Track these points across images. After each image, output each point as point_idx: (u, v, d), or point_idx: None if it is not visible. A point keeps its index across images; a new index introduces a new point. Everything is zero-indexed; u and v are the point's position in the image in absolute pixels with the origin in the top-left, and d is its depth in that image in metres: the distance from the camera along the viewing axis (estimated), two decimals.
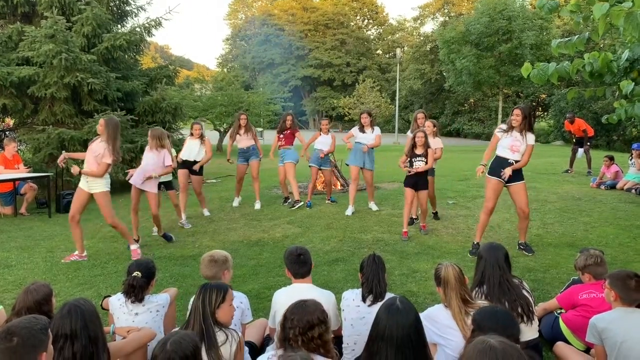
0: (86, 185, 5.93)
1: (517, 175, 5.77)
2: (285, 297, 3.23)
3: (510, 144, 5.73)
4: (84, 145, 10.56)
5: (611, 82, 5.85)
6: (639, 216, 7.64)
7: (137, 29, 12.19)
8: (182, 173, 8.11)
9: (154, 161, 6.78)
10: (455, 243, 6.41)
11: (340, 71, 57.71)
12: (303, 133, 9.63)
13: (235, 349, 2.75)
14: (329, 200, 9.05)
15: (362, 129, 8.20)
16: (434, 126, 7.51)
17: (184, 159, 7.99)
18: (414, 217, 7.48)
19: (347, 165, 8.50)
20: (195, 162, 8.01)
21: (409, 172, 6.67)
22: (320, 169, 9.00)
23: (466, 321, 2.88)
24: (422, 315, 3.11)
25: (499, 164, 5.79)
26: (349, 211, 8.16)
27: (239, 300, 3.31)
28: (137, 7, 12.99)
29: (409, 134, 7.86)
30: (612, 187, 10.00)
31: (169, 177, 7.54)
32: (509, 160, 5.72)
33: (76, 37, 10.80)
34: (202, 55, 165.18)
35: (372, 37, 64.89)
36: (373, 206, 8.43)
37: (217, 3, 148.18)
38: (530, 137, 5.77)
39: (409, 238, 6.65)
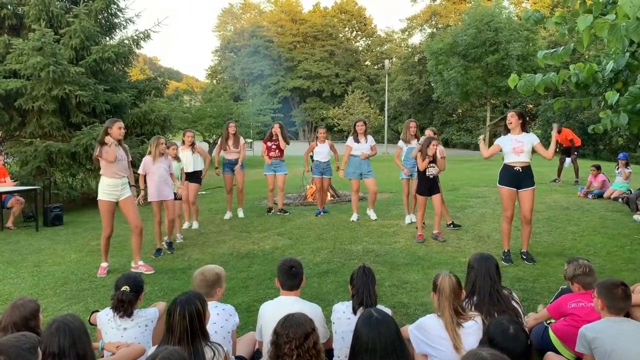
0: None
1: (529, 181, 5.86)
2: (271, 310, 3.23)
3: (512, 147, 5.83)
4: (72, 158, 10.50)
5: (596, 93, 5.92)
6: (626, 225, 7.71)
7: (126, 41, 12.18)
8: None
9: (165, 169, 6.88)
10: (445, 253, 6.41)
11: (329, 82, 57.91)
12: (293, 144, 9.64)
13: None
14: (321, 210, 9.02)
15: (356, 139, 8.28)
16: (434, 133, 7.73)
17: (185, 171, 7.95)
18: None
19: (347, 178, 8.52)
20: (195, 173, 8.04)
21: (428, 172, 6.89)
22: (322, 178, 9.01)
23: (457, 332, 2.89)
24: (413, 325, 3.12)
25: (508, 172, 5.89)
26: (354, 217, 8.39)
27: (228, 313, 3.28)
28: (126, 20, 12.96)
29: (402, 144, 7.97)
30: (600, 196, 10.09)
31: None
32: (515, 168, 5.80)
33: (64, 50, 10.77)
34: (191, 67, 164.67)
35: (360, 48, 65.29)
36: (372, 214, 8.46)
37: (206, 15, 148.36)
38: (532, 136, 5.93)
39: (424, 240, 6.91)
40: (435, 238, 6.98)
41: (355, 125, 8.41)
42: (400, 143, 8.06)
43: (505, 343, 2.45)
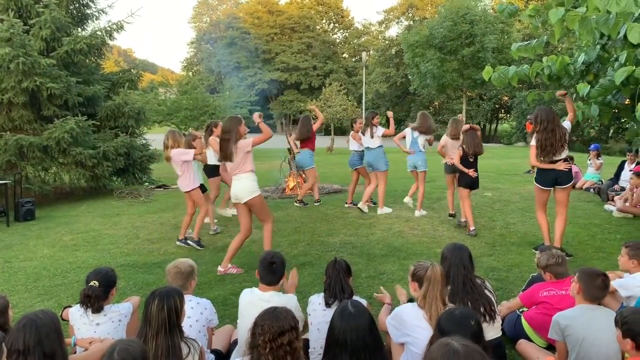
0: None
1: None
2: (246, 298, 3.34)
3: None
4: (43, 152, 10.28)
5: (569, 85, 6.02)
6: (598, 215, 7.87)
7: (99, 33, 11.94)
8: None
9: None
10: (421, 244, 6.47)
11: (307, 74, 57.75)
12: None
13: None
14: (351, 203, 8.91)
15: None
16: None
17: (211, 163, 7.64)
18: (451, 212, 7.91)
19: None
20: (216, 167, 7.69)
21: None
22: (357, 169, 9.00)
23: None
24: (389, 315, 3.13)
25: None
26: (388, 210, 8.30)
27: (203, 306, 3.26)
28: (98, 10, 12.70)
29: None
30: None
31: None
32: None
33: (34, 41, 10.50)
34: (167, 59, 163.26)
35: (338, 40, 65.21)
36: (364, 208, 8.38)
37: (181, 6, 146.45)
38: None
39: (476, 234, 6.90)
40: (463, 226, 7.20)
41: (372, 120, 8.26)
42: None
43: (452, 328, 2.42)
